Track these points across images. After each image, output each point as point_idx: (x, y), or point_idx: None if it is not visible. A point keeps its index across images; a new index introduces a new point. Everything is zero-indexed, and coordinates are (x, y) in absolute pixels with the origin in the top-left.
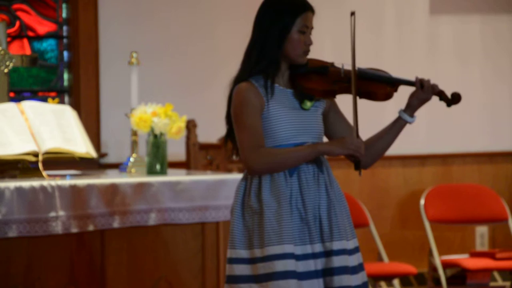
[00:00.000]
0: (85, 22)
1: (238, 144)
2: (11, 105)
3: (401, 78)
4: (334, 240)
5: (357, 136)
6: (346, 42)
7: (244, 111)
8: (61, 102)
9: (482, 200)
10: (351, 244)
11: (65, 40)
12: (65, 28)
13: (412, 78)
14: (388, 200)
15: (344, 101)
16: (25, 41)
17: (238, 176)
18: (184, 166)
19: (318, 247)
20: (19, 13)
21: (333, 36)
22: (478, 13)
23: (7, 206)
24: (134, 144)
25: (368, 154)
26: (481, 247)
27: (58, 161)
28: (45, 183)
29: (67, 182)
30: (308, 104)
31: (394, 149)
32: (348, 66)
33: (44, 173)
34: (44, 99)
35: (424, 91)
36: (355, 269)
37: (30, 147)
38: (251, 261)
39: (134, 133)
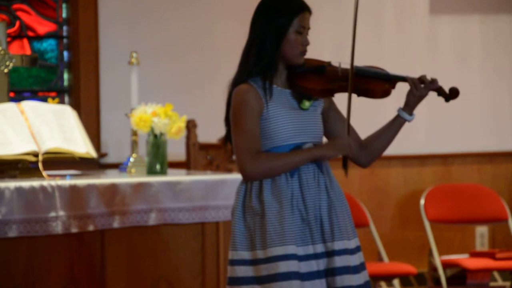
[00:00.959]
0: (85, 22)
1: (234, 147)
2: (11, 105)
3: (398, 75)
4: (336, 240)
5: (348, 132)
6: (346, 41)
7: (243, 114)
8: (61, 102)
9: (482, 200)
10: (352, 243)
11: (65, 40)
12: (65, 28)
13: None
14: (388, 200)
15: (343, 100)
16: (25, 41)
17: (238, 176)
18: (184, 166)
19: (319, 248)
20: (19, 13)
21: (333, 35)
22: (478, 13)
23: (7, 206)
24: (134, 144)
25: (367, 153)
26: (481, 247)
27: (58, 161)
28: (45, 183)
29: (67, 182)
30: (306, 104)
31: (394, 149)
32: (345, 65)
33: (44, 173)
34: (44, 99)
35: (421, 87)
36: (357, 269)
37: (30, 147)
38: (253, 262)
39: (134, 133)
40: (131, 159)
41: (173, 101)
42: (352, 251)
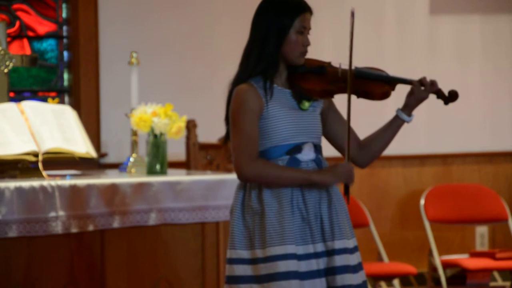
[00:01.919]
0: (85, 22)
1: (232, 147)
2: (11, 105)
3: (398, 77)
4: (336, 239)
5: (348, 158)
6: (346, 41)
7: (242, 115)
8: (61, 102)
9: (482, 200)
10: (351, 243)
11: (65, 40)
12: (65, 28)
13: (412, 78)
14: (388, 200)
15: (343, 101)
16: (25, 41)
17: None
18: (184, 166)
19: (320, 247)
20: (19, 13)
21: (333, 35)
22: (478, 13)
23: (7, 206)
24: (134, 144)
25: (366, 153)
26: (481, 247)
27: (58, 161)
28: (45, 183)
29: (67, 182)
30: (306, 104)
31: (394, 149)
32: (345, 66)
33: (44, 173)
34: (44, 99)
35: (422, 89)
36: (356, 268)
37: (30, 147)
38: (252, 261)
39: (134, 133)
40: (131, 159)
41: (173, 101)
42: (351, 251)
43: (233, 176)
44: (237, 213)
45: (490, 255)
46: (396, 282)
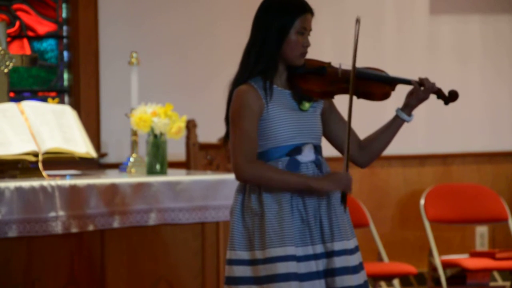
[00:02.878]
0: (85, 22)
1: (231, 146)
2: (11, 105)
3: (398, 77)
4: (335, 241)
5: (347, 168)
6: (346, 41)
7: (242, 116)
8: (61, 102)
9: (482, 200)
10: (351, 243)
11: (65, 40)
12: (65, 28)
13: (412, 78)
14: (388, 200)
15: (343, 101)
16: (25, 41)
17: None
18: (184, 166)
19: (319, 248)
20: (19, 13)
21: (332, 35)
22: (478, 13)
23: (7, 206)
24: (134, 144)
25: (366, 153)
26: (481, 247)
27: (58, 161)
28: (45, 183)
29: (67, 182)
30: (306, 105)
31: (394, 149)
32: (345, 66)
33: (44, 173)
34: (44, 99)
35: (422, 90)
36: (356, 269)
37: (30, 147)
38: (252, 262)
39: (134, 133)
40: (131, 159)
41: (173, 101)
42: (351, 251)
43: (233, 176)
44: (236, 214)
45: (490, 255)
46: (396, 282)
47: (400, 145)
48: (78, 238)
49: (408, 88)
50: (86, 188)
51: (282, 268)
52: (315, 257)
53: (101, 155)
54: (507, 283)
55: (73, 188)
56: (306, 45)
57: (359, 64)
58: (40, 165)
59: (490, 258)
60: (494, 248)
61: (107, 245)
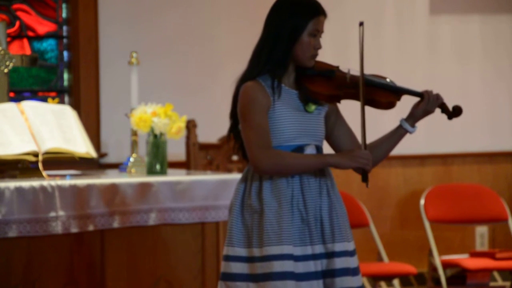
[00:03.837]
0: (85, 22)
1: (245, 143)
2: (11, 105)
3: (405, 88)
4: (336, 242)
5: (365, 147)
6: (346, 42)
7: (252, 110)
8: (61, 102)
9: (482, 200)
10: (351, 245)
11: (65, 40)
12: (65, 28)
13: (413, 79)
14: (388, 200)
15: (348, 107)
16: (25, 41)
17: (238, 176)
18: (184, 166)
19: (318, 249)
20: (19, 13)
21: (333, 37)
22: (478, 13)
23: (7, 206)
24: (134, 144)
25: None
26: (481, 247)
27: (58, 161)
28: (45, 183)
29: (67, 182)
30: (312, 107)
31: (394, 149)
32: (354, 72)
33: (44, 173)
34: (44, 99)
35: (428, 103)
36: (356, 271)
37: (30, 147)
38: (249, 259)
39: (134, 133)
40: (131, 159)
41: (173, 101)
42: (351, 253)
43: (233, 176)
44: (236, 210)
45: (490, 255)
46: (396, 282)
47: (400, 145)
48: (78, 238)
49: (413, 98)
50: (86, 188)
51: (278, 266)
52: (314, 257)
53: (101, 155)
54: (507, 283)
55: (73, 188)
56: (318, 47)
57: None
58: (40, 165)
59: (490, 258)
60: (494, 248)
61: (107, 245)
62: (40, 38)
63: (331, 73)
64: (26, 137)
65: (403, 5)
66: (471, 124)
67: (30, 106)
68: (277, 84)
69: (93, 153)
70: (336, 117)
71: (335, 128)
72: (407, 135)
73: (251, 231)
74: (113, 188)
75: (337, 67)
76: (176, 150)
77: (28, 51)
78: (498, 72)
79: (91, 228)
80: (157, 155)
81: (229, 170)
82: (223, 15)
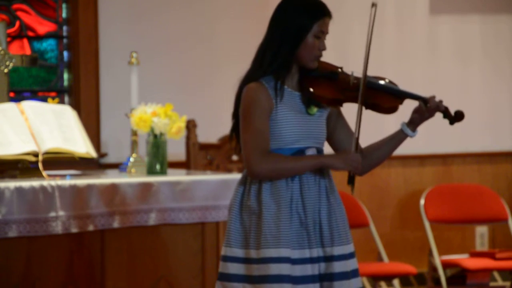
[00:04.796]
0: (85, 22)
1: (242, 145)
2: (11, 105)
3: (408, 92)
4: (335, 245)
5: (357, 149)
6: (346, 43)
7: (253, 112)
8: (61, 102)
9: (482, 200)
10: (350, 248)
11: (65, 40)
12: (65, 28)
13: (413, 79)
14: (388, 200)
15: (347, 109)
16: (25, 41)
17: (238, 176)
18: (184, 166)
19: (316, 252)
20: (19, 13)
21: (333, 38)
22: (478, 13)
23: (7, 206)
24: (134, 144)
25: (366, 162)
26: (481, 247)
27: (58, 161)
28: (45, 183)
29: (67, 182)
30: (314, 109)
31: None
32: (356, 74)
33: (44, 173)
34: (44, 99)
35: (429, 108)
36: (355, 273)
37: (30, 147)
38: (246, 261)
39: (134, 133)
40: (131, 159)
41: (173, 101)
42: (350, 256)
43: (233, 176)
44: (234, 211)
45: (490, 255)
46: (396, 282)
47: (400, 145)
48: (78, 238)
49: (414, 103)
50: (86, 188)
51: (275, 269)
52: (311, 260)
53: (101, 155)
54: (507, 283)
55: (73, 188)
56: (322, 48)
57: (359, 64)
58: (40, 165)
59: (490, 258)
60: (494, 248)
61: (107, 245)
62: (40, 38)
63: (334, 75)
64: (26, 137)
65: (403, 5)
66: (471, 124)
67: (30, 106)
68: (280, 86)
69: (93, 153)
70: (338, 119)
71: (336, 130)
72: None
73: (248, 232)
74: (113, 188)
75: (341, 68)
76: (176, 150)
77: (28, 51)
78: (498, 72)
79: (91, 228)
80: (157, 155)
81: (229, 170)
82: (223, 15)
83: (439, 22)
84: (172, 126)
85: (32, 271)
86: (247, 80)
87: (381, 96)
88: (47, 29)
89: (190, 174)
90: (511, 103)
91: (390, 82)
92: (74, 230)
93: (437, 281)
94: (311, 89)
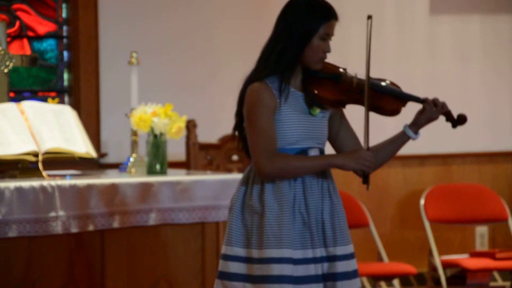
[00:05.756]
0: (85, 22)
1: (250, 146)
2: (11, 105)
3: (411, 95)
4: (338, 245)
5: (368, 148)
6: (347, 44)
7: (258, 113)
8: (61, 102)
9: (482, 200)
10: (351, 248)
11: (65, 40)
12: (65, 28)
13: (413, 79)
14: (388, 200)
15: (348, 110)
16: (25, 41)
17: (238, 176)
18: (184, 166)
19: (319, 252)
20: (19, 13)
21: (333, 38)
22: (478, 13)
23: (7, 206)
24: (134, 144)
25: None
26: (481, 247)
27: (58, 161)
28: (45, 183)
29: (67, 182)
30: (317, 110)
31: None
32: (360, 76)
33: (44, 173)
34: (44, 99)
35: (432, 110)
36: (355, 273)
37: (30, 147)
38: (248, 260)
39: (134, 133)
40: (131, 159)
41: (173, 101)
42: (351, 256)
43: (233, 176)
44: (236, 210)
45: (490, 255)
46: (396, 282)
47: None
48: (78, 238)
49: (417, 105)
50: (86, 188)
51: (277, 270)
52: (315, 260)
53: (101, 155)
54: (507, 283)
55: (73, 188)
56: (327, 51)
57: (359, 65)
58: (40, 165)
59: (490, 258)
60: (494, 248)
61: (107, 245)
62: (40, 38)
63: (338, 77)
64: (26, 137)
65: (403, 5)
66: (471, 124)
67: (30, 106)
68: (285, 86)
69: (93, 153)
70: (341, 120)
71: (339, 131)
72: None
73: (250, 232)
74: (113, 188)
75: (345, 69)
76: (176, 150)
77: (28, 51)
78: (498, 72)
79: (91, 228)
80: (157, 155)
81: (229, 170)
82: (223, 15)
83: (439, 22)
84: (172, 126)
85: (32, 271)
86: (251, 79)
87: (384, 99)
88: (47, 29)
89: (190, 174)
90: (511, 103)
91: (393, 84)
92: (74, 230)
93: (437, 281)
94: (315, 91)
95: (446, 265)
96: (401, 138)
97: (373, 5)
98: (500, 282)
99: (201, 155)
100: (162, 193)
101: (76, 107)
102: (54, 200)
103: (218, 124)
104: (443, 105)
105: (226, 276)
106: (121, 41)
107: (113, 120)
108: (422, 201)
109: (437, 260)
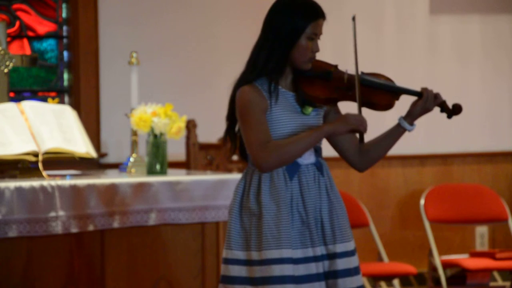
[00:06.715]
0: (85, 22)
1: (246, 145)
2: (11, 105)
3: (404, 88)
4: (337, 243)
5: (360, 111)
6: (347, 44)
7: (250, 111)
8: (61, 102)
9: (482, 200)
10: (352, 245)
11: (65, 40)
12: (65, 28)
13: (413, 79)
14: (388, 200)
15: (342, 107)
16: (25, 41)
17: (238, 176)
18: (184, 166)
19: (319, 250)
20: (19, 13)
21: (333, 38)
22: (478, 13)
23: (7, 206)
24: (134, 144)
25: (365, 159)
26: (481, 247)
27: (58, 161)
28: (45, 183)
29: (67, 182)
30: (309, 109)
31: (394, 149)
32: (351, 72)
33: (44, 173)
34: (44, 99)
35: (427, 101)
36: (356, 270)
37: (30, 147)
38: (248, 263)
39: (134, 133)
40: (131, 159)
41: (173, 101)
42: (352, 253)
43: (233, 176)
44: (234, 213)
45: (490, 255)
46: (396, 282)
47: (400, 145)
48: (78, 238)
49: (412, 97)
50: (86, 188)
51: (278, 270)
52: (315, 259)
53: (101, 155)
54: (507, 283)
55: (73, 188)
56: (315, 50)
57: (360, 64)
58: (40, 165)
59: (490, 258)
60: (494, 248)
61: (107, 245)
62: (40, 38)
63: (328, 74)
64: (26, 137)
65: (403, 5)
66: (471, 124)
67: (30, 106)
68: (274, 87)
69: (93, 153)
70: (336, 115)
71: None
72: (407, 134)
73: (249, 234)
74: (113, 188)
75: (335, 66)
76: (176, 150)
77: (28, 51)
78: (498, 72)
79: (91, 228)
80: (157, 155)
81: (229, 170)
82: (223, 15)
83: (439, 22)
84: (172, 126)
85: (32, 271)
86: (241, 82)
87: (376, 94)
88: (47, 29)
89: (190, 174)
90: (511, 103)
91: (386, 78)
92: (74, 230)
93: (437, 281)
94: (305, 90)
95: (446, 265)
96: (397, 130)
97: (373, 5)
98: (500, 282)
99: (201, 155)
100: (162, 193)
101: (76, 107)
102: (54, 200)
103: (218, 124)
104: (436, 95)
105: (228, 279)
106: (121, 41)
107: (113, 120)
108: (422, 201)
109: (437, 260)
